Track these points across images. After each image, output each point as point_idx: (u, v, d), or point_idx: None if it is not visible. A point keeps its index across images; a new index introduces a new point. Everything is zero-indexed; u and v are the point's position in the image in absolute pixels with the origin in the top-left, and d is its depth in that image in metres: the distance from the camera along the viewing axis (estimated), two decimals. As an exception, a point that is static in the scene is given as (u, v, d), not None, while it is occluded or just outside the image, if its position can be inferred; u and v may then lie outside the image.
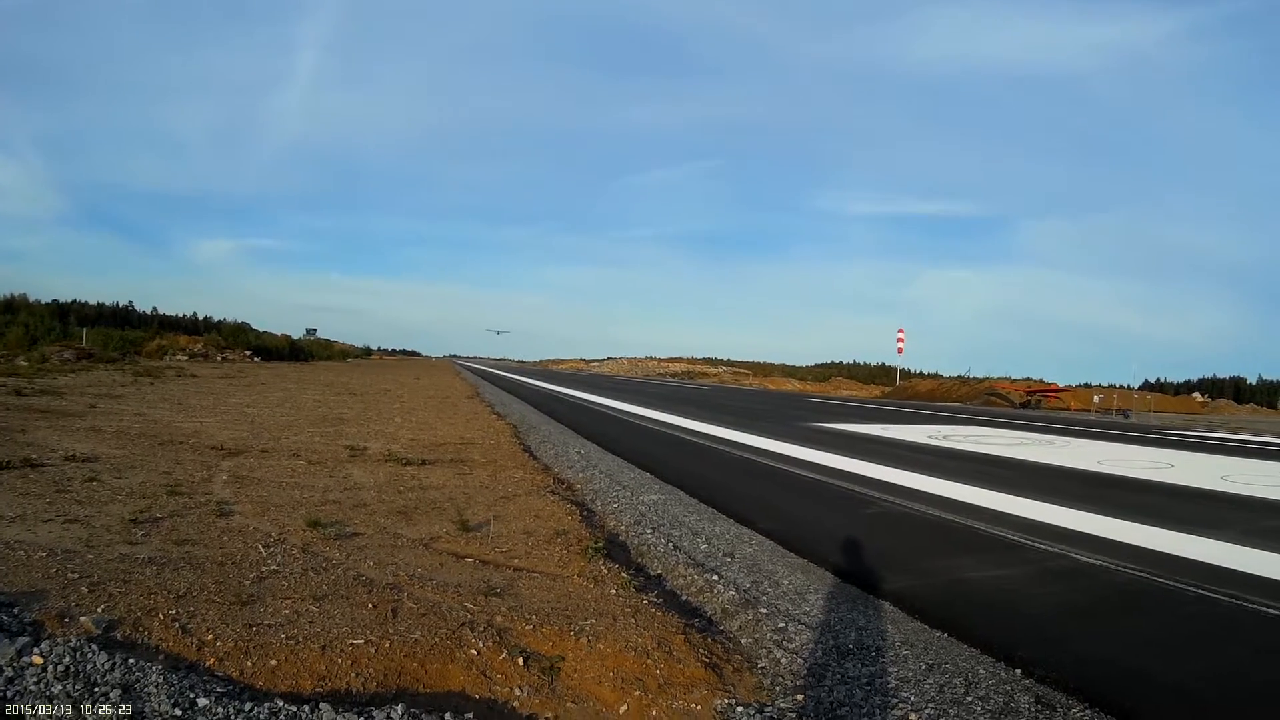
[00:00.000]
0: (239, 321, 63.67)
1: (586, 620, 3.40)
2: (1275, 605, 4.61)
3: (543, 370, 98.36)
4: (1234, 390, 77.74)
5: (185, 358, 42.45)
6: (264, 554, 4.09)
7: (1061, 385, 55.20)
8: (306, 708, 2.24)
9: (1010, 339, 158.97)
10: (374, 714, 2.24)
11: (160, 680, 2.41)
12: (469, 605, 3.46)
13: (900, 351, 66.18)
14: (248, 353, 50.10)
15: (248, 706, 2.24)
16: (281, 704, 2.27)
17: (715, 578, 4.71)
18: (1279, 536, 6.70)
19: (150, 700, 2.31)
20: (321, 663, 2.68)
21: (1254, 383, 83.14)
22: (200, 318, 72.42)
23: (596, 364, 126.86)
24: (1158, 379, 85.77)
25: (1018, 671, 3.54)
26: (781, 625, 3.92)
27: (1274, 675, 3.73)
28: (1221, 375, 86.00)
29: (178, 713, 2.25)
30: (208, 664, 2.58)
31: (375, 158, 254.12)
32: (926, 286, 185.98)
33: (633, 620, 3.50)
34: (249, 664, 2.62)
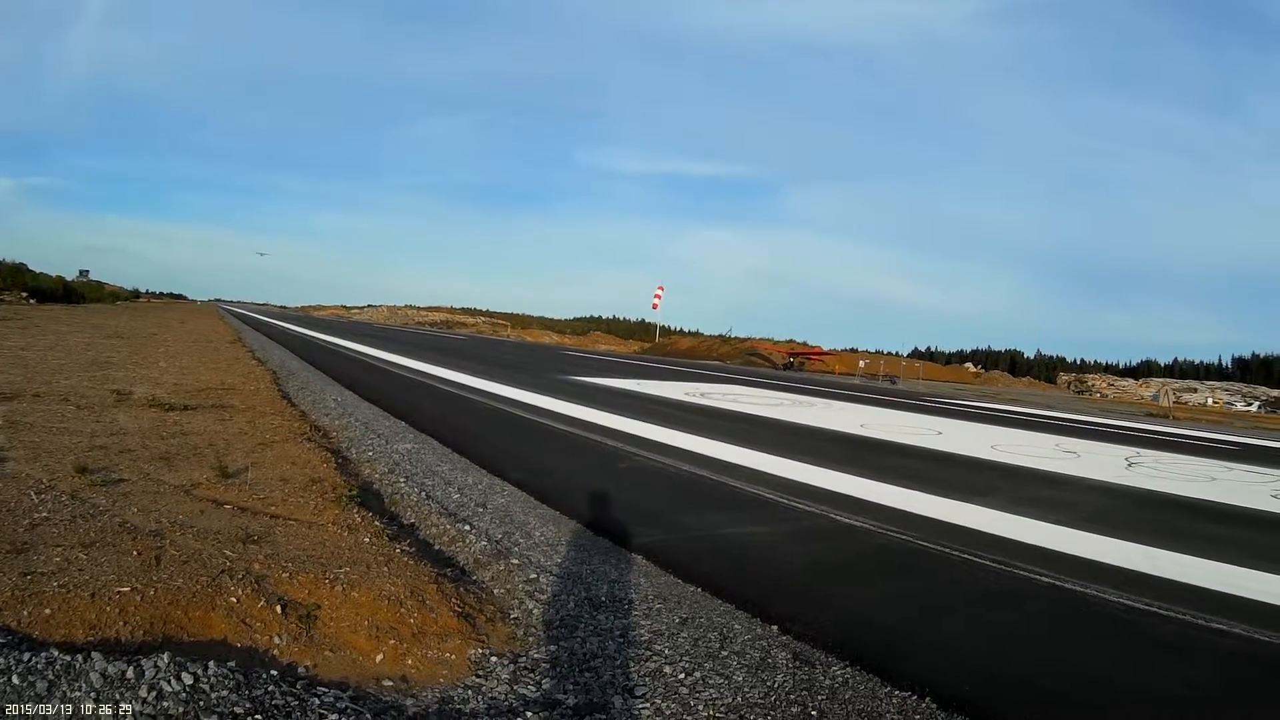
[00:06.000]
0: (17, 262, 66.89)
1: (341, 568, 4.13)
2: (1046, 572, 5.69)
3: (304, 316, 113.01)
4: (1010, 363, 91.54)
5: (-39, 299, 44.04)
6: (36, 500, 4.69)
7: (826, 348, 62.86)
8: (80, 657, 2.87)
9: (775, 301, 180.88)
10: (142, 663, 2.88)
11: (-59, 632, 2.86)
12: (228, 552, 4.15)
13: (656, 307, 72.92)
14: (24, 294, 53.62)
15: (26, 657, 2.82)
16: (57, 654, 2.87)
17: (467, 528, 5.60)
18: (1048, 505, 8.21)
19: (-69, 653, 2.76)
20: (92, 611, 3.31)
21: (1031, 357, 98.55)
22: (-19, 258, 75.57)
23: (357, 311, 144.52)
24: (929, 347, 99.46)
25: (774, 628, 4.28)
26: (534, 576, 4.83)
27: (1042, 636, 4.58)
28: (997, 348, 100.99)
29: (-40, 665, 2.70)
30: (-12, 615, 3.06)
31: (154, 99, 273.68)
32: (690, 245, 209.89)
33: (386, 569, 4.27)
34: (25, 613, 3.21)
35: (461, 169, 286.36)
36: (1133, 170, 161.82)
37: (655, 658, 3.84)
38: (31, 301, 50.92)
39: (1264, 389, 64.56)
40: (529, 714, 3.20)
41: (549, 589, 4.67)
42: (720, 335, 72.89)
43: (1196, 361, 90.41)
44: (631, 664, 3.75)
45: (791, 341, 71.85)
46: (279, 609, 3.61)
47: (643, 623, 4.27)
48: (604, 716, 3.27)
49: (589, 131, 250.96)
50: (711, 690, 3.53)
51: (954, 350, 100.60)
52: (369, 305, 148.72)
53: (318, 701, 2.98)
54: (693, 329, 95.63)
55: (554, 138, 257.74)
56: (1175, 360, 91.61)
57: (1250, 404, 55.98)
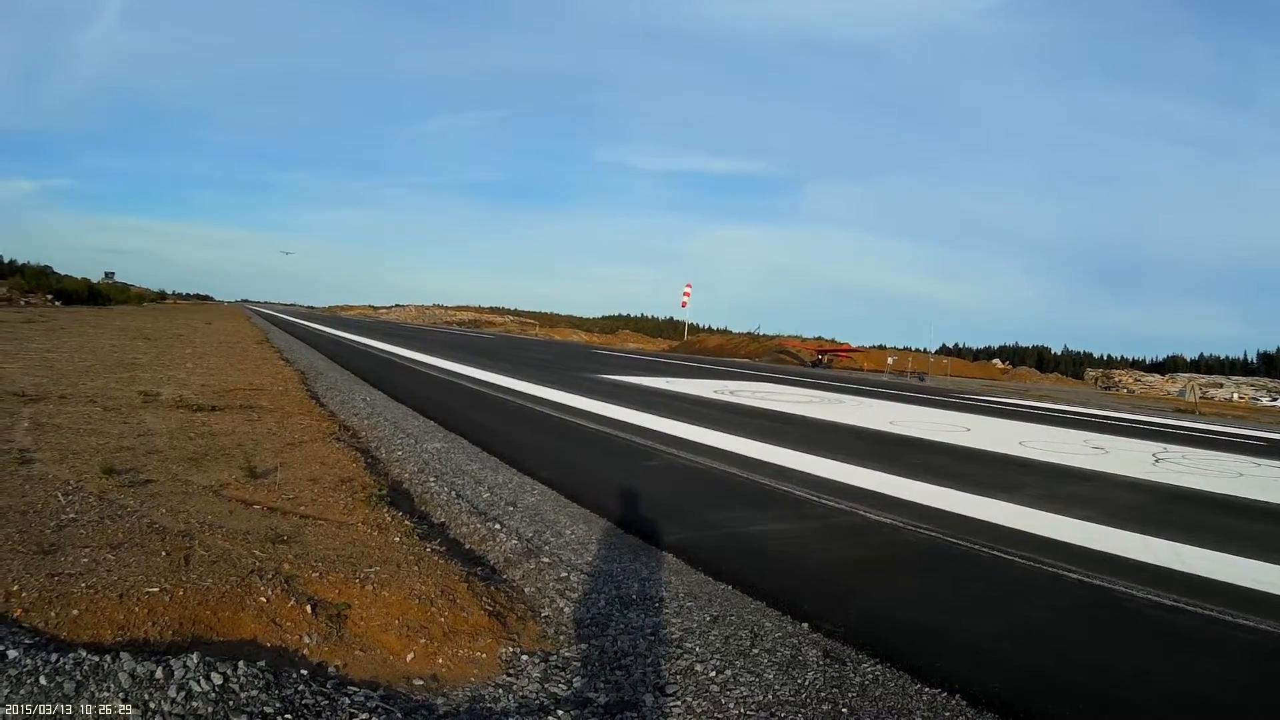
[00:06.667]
0: (42, 265, 69.00)
1: (371, 568, 4.10)
2: (1075, 569, 5.58)
3: (332, 316, 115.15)
4: (1037, 359, 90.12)
5: (-11, 303, 45.08)
6: (63, 502, 4.69)
7: (854, 345, 62.76)
8: (108, 658, 2.85)
9: (802, 298, 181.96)
10: (171, 663, 2.86)
11: (-31, 633, 2.86)
12: (257, 552, 4.15)
13: (685, 305, 73.09)
14: (50, 297, 53.96)
15: (54, 658, 2.80)
16: (85, 654, 2.85)
17: (498, 526, 5.55)
18: (1076, 501, 8.08)
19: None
20: (120, 612, 3.29)
21: (1059, 353, 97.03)
22: (5, 260, 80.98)
23: (385, 310, 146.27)
24: (956, 344, 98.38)
25: (805, 625, 4.24)
26: (564, 575, 4.77)
27: (1070, 633, 4.51)
28: (1024, 344, 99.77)
29: (-12, 665, 2.70)
30: (15, 615, 3.15)
31: (174, 99, 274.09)
32: (714, 242, 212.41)
33: (416, 568, 4.23)
34: (53, 614, 3.20)
35: (483, 167, 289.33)
36: (1158, 166, 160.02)
37: (686, 655, 3.80)
38: (57, 304, 51.56)
39: (1289, 384, 63.20)
40: (560, 712, 3.15)
41: (580, 587, 4.62)
42: (749, 333, 73.01)
43: (1222, 357, 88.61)
44: (663, 662, 3.71)
45: (820, 339, 71.73)
46: (309, 609, 3.59)
47: (673, 621, 4.22)
48: (635, 715, 3.22)
49: (609, 128, 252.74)
50: (743, 688, 3.48)
51: (981, 346, 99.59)
52: (397, 305, 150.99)
53: (348, 701, 2.95)
54: (720, 326, 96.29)
55: (574, 135, 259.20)
56: (1201, 355, 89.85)
57: (1276, 399, 54.82)
